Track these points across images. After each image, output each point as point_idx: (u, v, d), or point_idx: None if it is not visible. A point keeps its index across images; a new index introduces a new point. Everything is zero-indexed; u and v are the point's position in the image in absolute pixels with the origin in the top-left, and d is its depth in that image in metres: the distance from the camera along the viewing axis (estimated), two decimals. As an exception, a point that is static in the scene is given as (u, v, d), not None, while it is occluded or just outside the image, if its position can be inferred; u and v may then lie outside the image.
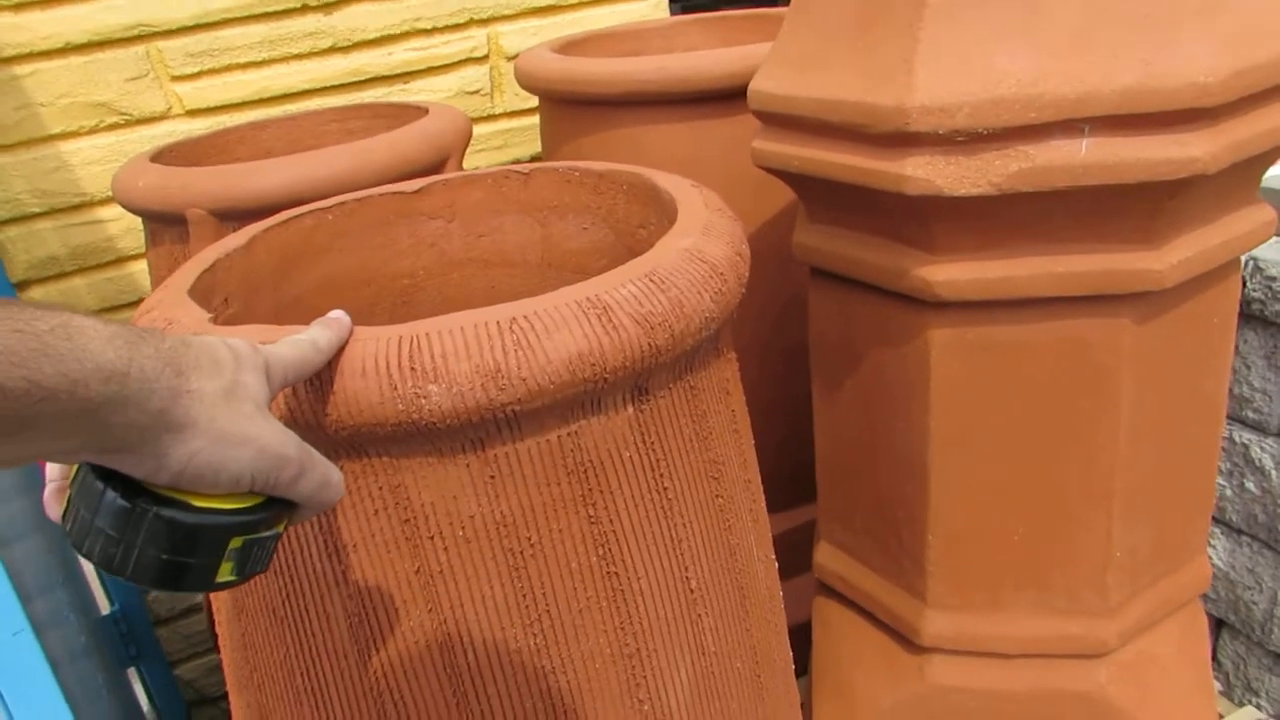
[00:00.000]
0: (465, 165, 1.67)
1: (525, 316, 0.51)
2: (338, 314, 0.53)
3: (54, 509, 0.46)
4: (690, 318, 0.55)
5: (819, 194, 0.86)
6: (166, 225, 1.06)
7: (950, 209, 0.75)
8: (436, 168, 1.11)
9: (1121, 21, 0.70)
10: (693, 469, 0.60)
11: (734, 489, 0.64)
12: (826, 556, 1.07)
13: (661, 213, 0.71)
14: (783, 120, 0.83)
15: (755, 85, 0.84)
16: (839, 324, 0.92)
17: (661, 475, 0.57)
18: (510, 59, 1.65)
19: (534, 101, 1.66)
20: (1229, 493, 1.34)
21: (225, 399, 0.42)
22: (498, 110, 1.68)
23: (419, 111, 1.24)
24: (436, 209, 0.81)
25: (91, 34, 1.41)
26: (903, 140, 0.73)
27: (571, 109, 1.26)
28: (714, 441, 0.61)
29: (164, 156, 1.18)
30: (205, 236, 1.02)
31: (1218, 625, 1.43)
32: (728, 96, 1.16)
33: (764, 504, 0.72)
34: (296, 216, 0.76)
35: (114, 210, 1.48)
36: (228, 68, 1.50)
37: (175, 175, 1.03)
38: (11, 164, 1.43)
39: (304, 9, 1.51)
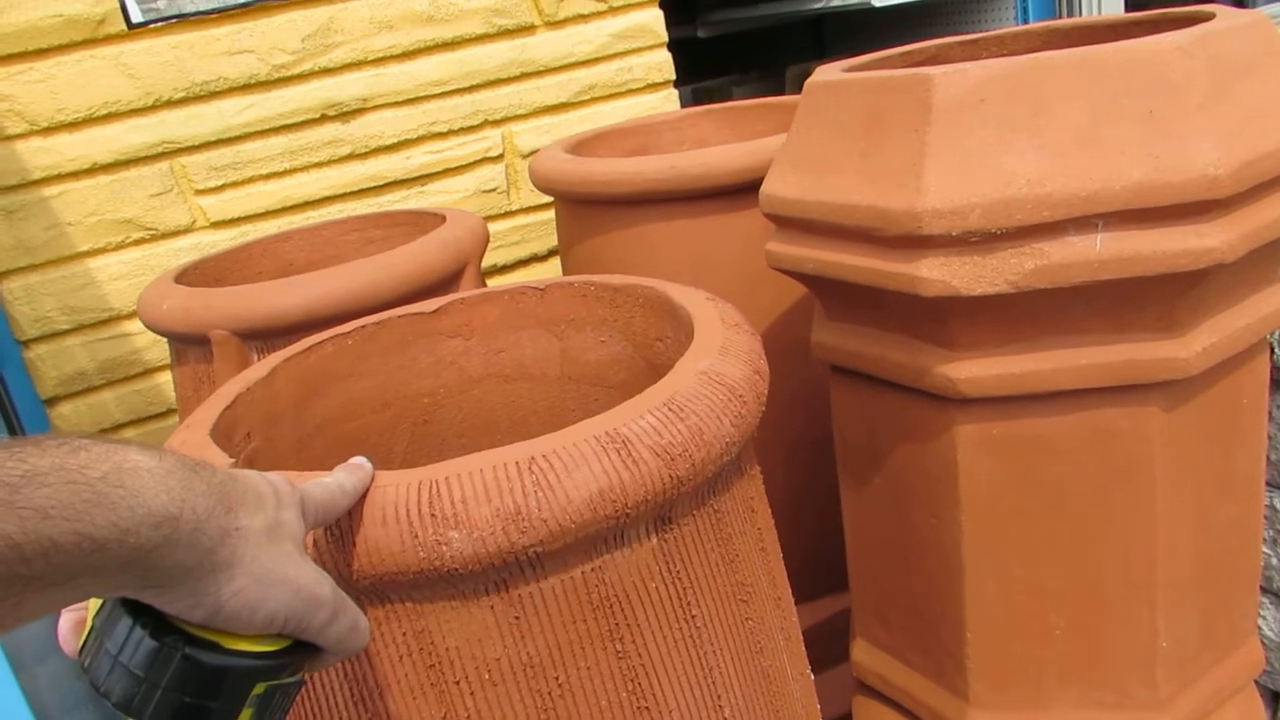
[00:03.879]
0: (485, 262, 1.69)
1: (544, 455, 0.51)
2: (360, 460, 0.53)
3: (71, 642, 0.45)
4: (711, 444, 0.55)
5: (835, 294, 0.86)
6: (191, 345, 1.07)
7: (968, 307, 0.75)
8: (456, 275, 1.12)
9: (1126, 118, 0.70)
10: (721, 594, 0.59)
11: (764, 609, 0.63)
12: (864, 654, 1.04)
13: (678, 327, 0.71)
14: (796, 224, 0.83)
15: (767, 189, 0.85)
16: (862, 421, 0.91)
17: (689, 604, 0.57)
18: (525, 156, 1.68)
19: (549, 197, 1.69)
20: (1275, 561, 1.30)
21: (268, 537, 0.42)
22: (514, 207, 1.70)
23: (437, 219, 1.26)
24: (455, 327, 0.82)
25: (118, 153, 1.45)
26: (916, 243, 0.73)
27: (586, 208, 1.28)
28: (741, 564, 0.60)
29: (188, 275, 1.20)
30: (229, 356, 1.03)
31: (1273, 698, 1.38)
32: (741, 191, 1.17)
33: (796, 618, 0.71)
34: (317, 344, 0.77)
35: (140, 324, 1.50)
36: (250, 179, 1.53)
37: (198, 297, 1.04)
38: (41, 283, 1.46)
39: (323, 119, 1.55)
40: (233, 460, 0.56)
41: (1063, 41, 1.01)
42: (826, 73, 0.86)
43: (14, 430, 1.54)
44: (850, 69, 0.92)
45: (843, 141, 0.80)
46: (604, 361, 0.80)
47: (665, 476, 0.52)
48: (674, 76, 1.75)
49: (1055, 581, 0.85)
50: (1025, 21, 2.36)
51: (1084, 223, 0.71)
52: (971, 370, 0.79)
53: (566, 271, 1.40)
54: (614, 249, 1.26)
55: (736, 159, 1.15)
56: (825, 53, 3.11)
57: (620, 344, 0.79)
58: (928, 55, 1.03)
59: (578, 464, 0.51)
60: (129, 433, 1.53)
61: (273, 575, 0.41)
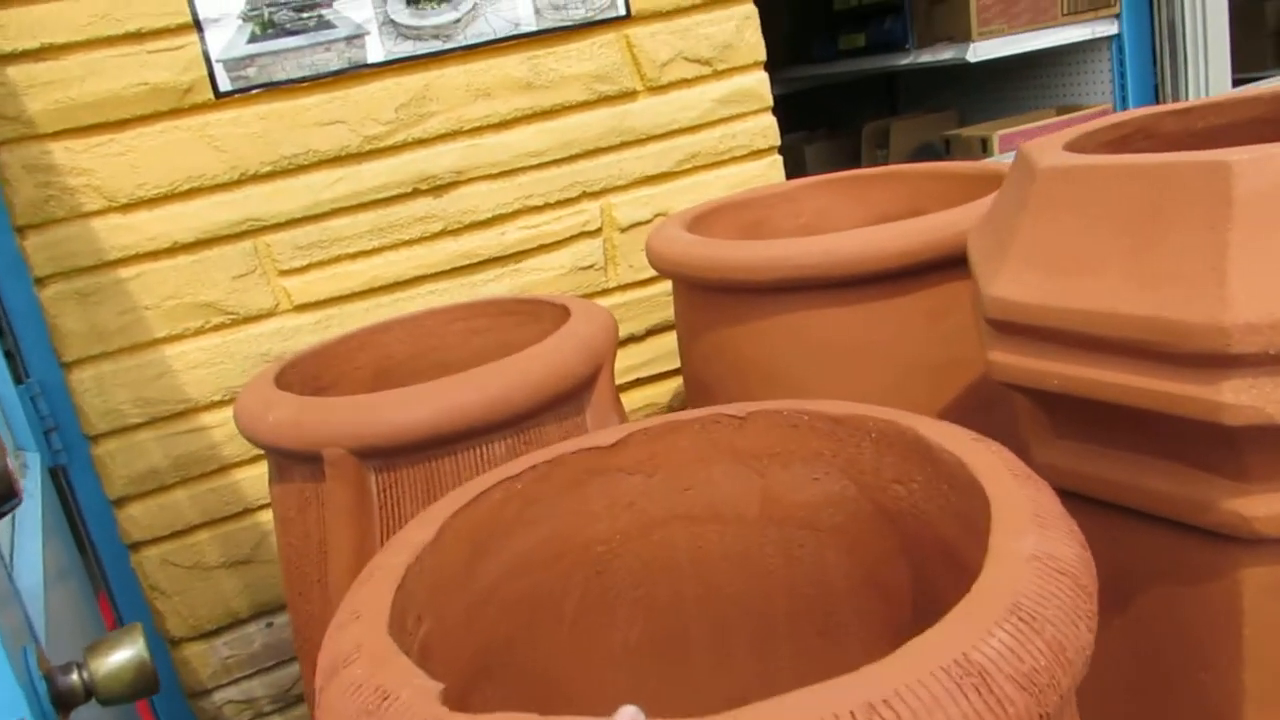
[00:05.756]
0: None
1: (887, 701, 0.38)
2: (632, 712, 0.40)
3: None
4: (1073, 663, 0.42)
5: (1077, 413, 0.73)
6: (298, 462, 0.95)
7: (1273, 437, 0.62)
8: (591, 379, 1.00)
9: None
10: None
11: None
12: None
13: (936, 473, 0.58)
14: (1035, 332, 0.70)
15: (997, 292, 0.72)
16: (1101, 555, 0.77)
17: None
18: (623, 230, 1.57)
19: (648, 272, 1.57)
20: None
21: None
22: (611, 284, 1.59)
23: (556, 309, 1.14)
24: (635, 463, 0.69)
25: (200, 232, 1.35)
26: (1219, 361, 0.60)
27: (717, 294, 1.16)
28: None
29: (287, 376, 1.08)
30: (344, 477, 0.91)
31: None
32: (898, 276, 1.05)
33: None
34: (485, 491, 0.64)
35: (218, 416, 1.39)
36: (336, 259, 1.43)
37: (311, 409, 0.92)
38: (113, 372, 1.35)
39: (415, 193, 1.44)
40: (442, 688, 0.43)
41: (1298, 111, 0.89)
42: (1057, 155, 0.74)
43: (80, 534, 1.43)
44: (1074, 146, 0.79)
45: (1102, 238, 0.67)
46: (816, 502, 0.67)
47: (1034, 717, 0.39)
48: (779, 142, 1.64)
49: (1353, 757, 0.71)
50: (1122, 80, 2.25)
51: None
52: (1270, 506, 0.65)
53: (687, 361, 1.27)
54: (751, 339, 1.14)
55: (899, 241, 1.03)
56: (899, 109, 3.00)
57: (840, 482, 0.66)
58: (1137, 127, 0.90)
59: (931, 710, 0.38)
60: (203, 535, 1.41)
61: None
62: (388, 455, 0.91)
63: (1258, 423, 0.60)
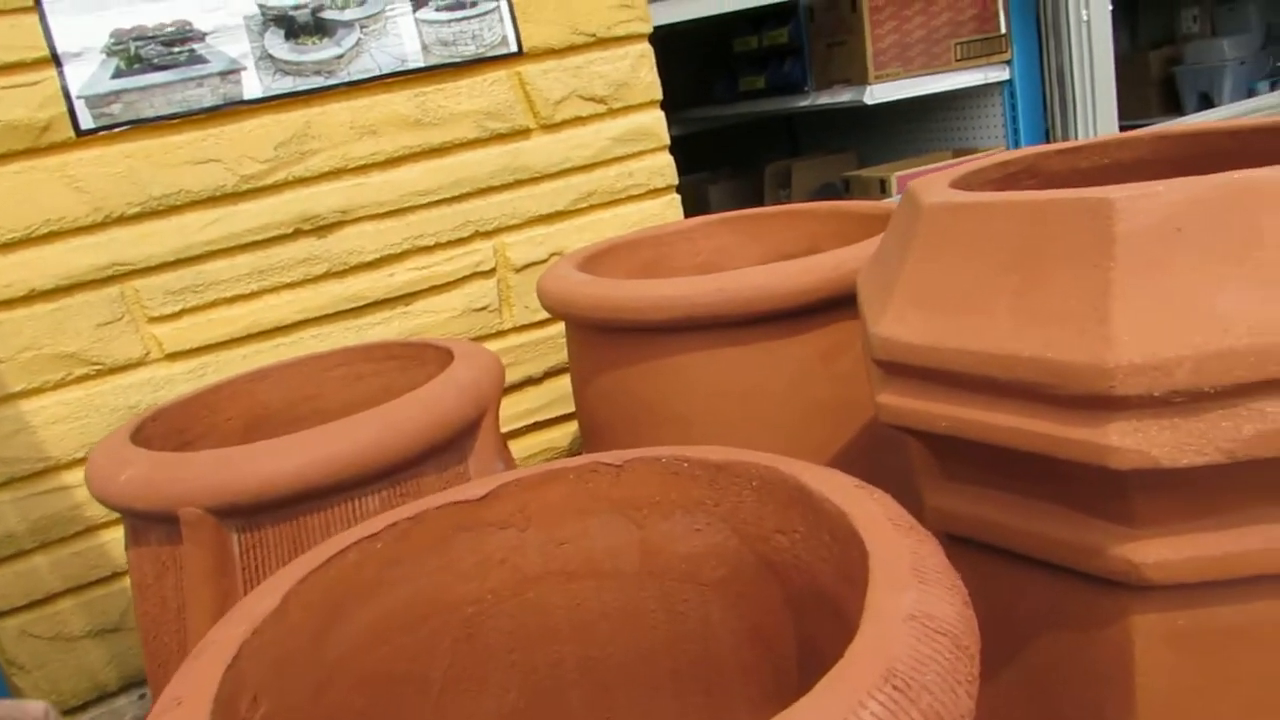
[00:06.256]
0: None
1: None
2: None
3: None
4: (952, 734, 0.38)
5: (967, 455, 0.71)
6: (153, 523, 0.88)
7: (1161, 480, 0.60)
8: (474, 425, 0.95)
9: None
10: None
11: None
12: None
13: (817, 522, 0.55)
14: (922, 373, 0.68)
15: (884, 332, 0.69)
16: (994, 601, 0.75)
17: None
18: (518, 270, 1.53)
19: (544, 314, 1.53)
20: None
21: None
22: (506, 326, 1.54)
23: (440, 353, 1.09)
24: (507, 516, 0.65)
25: (60, 278, 1.27)
26: (1104, 404, 0.58)
27: (610, 335, 1.12)
28: None
29: (146, 431, 1.01)
30: (202, 540, 0.84)
31: None
32: (795, 315, 1.03)
33: None
34: (338, 553, 0.59)
35: (81, 474, 1.30)
36: (212, 304, 1.35)
37: (164, 465, 0.85)
38: (-35, 430, 1.25)
39: (296, 234, 1.38)
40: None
41: (1173, 149, 0.89)
42: (943, 192, 0.72)
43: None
44: (961, 184, 0.78)
45: (987, 275, 0.65)
46: (698, 554, 0.63)
47: (910, 799, 0.36)
48: (676, 181, 1.62)
49: (1249, 803, 0.69)
50: (1015, 124, 2.30)
51: (1316, 377, 0.57)
52: (1159, 552, 0.63)
53: (580, 404, 1.23)
54: (644, 381, 1.10)
55: (793, 280, 1.01)
56: (800, 150, 3.04)
57: (722, 533, 0.62)
58: (1024, 165, 0.90)
59: (796, 798, 0.34)
60: (66, 603, 1.31)
61: None
62: (250, 513, 0.85)
63: (1143, 466, 0.58)
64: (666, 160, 1.60)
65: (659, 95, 1.57)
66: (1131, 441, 0.58)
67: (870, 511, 0.51)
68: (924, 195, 0.73)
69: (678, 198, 1.62)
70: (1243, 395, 0.57)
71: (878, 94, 2.11)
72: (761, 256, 1.38)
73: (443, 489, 0.91)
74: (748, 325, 1.03)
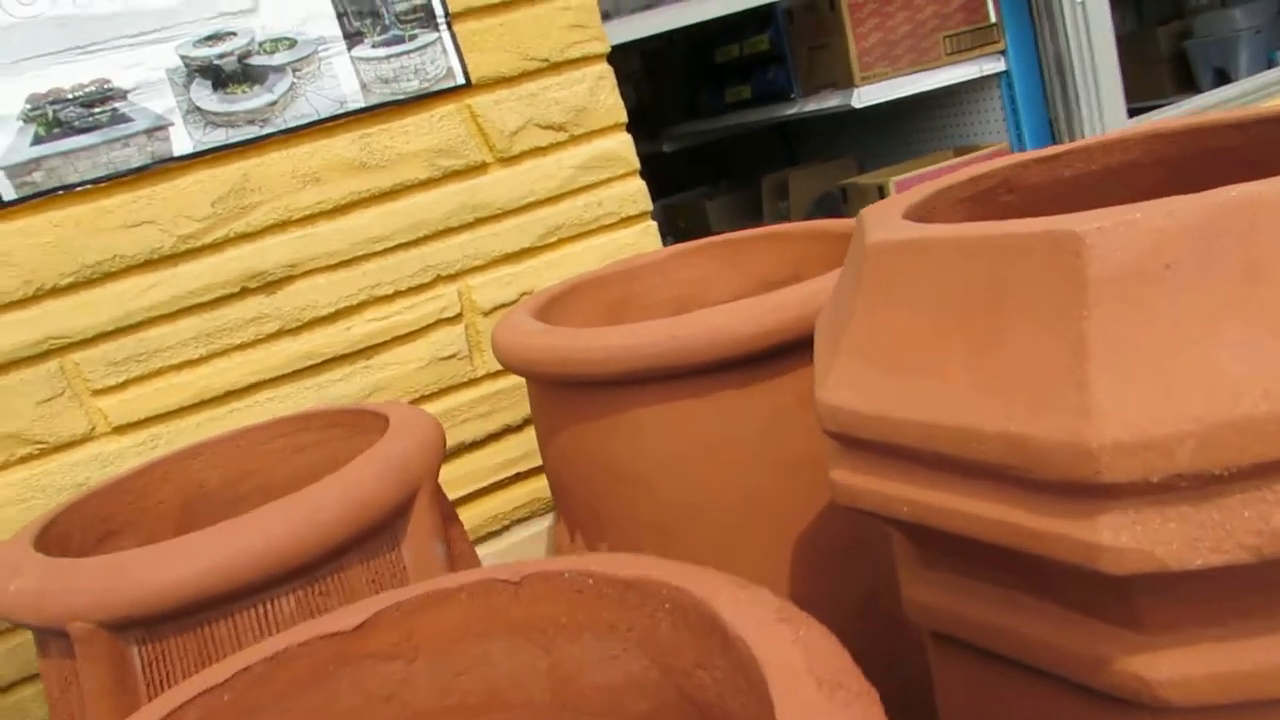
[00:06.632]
0: (451, 439, 1.43)
1: None
2: None
3: None
4: None
5: (942, 542, 0.60)
6: (51, 637, 0.80)
7: (1171, 584, 0.49)
8: (404, 506, 0.86)
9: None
10: None
11: None
12: None
13: (731, 661, 0.45)
14: (875, 448, 0.58)
15: (827, 398, 0.59)
16: (985, 712, 0.65)
17: None
18: (487, 314, 1.44)
19: (519, 356, 1.44)
20: None
21: None
22: (479, 373, 1.45)
23: (378, 420, 1.00)
24: (391, 646, 0.56)
25: (-8, 358, 1.19)
26: (1088, 492, 0.48)
27: (565, 391, 1.03)
28: None
29: (64, 524, 0.93)
30: (96, 656, 0.76)
31: None
32: (760, 359, 0.93)
33: None
34: (172, 712, 0.49)
35: (28, 562, 1.22)
36: (158, 372, 1.28)
37: (55, 576, 0.77)
38: (-101, 525, 1.18)
39: (244, 292, 1.30)
40: None
41: (1170, 149, 0.78)
42: (892, 227, 0.62)
43: None
44: (915, 213, 0.68)
45: (941, 328, 0.55)
46: (617, 684, 0.54)
47: None
48: (650, 207, 1.52)
49: None
50: (1015, 117, 2.19)
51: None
52: (1176, 666, 0.52)
53: (545, 462, 1.14)
54: (604, 439, 1.00)
55: (753, 320, 0.91)
56: (797, 159, 2.93)
57: (639, 660, 0.53)
58: (1000, 179, 0.80)
59: None
60: (6, 699, 1.23)
61: None
62: (149, 624, 0.76)
63: (1145, 570, 0.48)
64: (638, 186, 1.51)
65: (623, 118, 1.47)
66: (1128, 538, 0.48)
67: (790, 661, 0.41)
68: (870, 229, 0.63)
69: (653, 224, 1.53)
70: (1267, 476, 0.46)
71: (866, 96, 2.00)
72: (742, 286, 1.28)
73: (370, 581, 0.82)
74: (708, 373, 0.93)
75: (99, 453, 1.26)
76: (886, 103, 2.06)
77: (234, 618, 0.77)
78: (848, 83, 2.01)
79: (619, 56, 2.02)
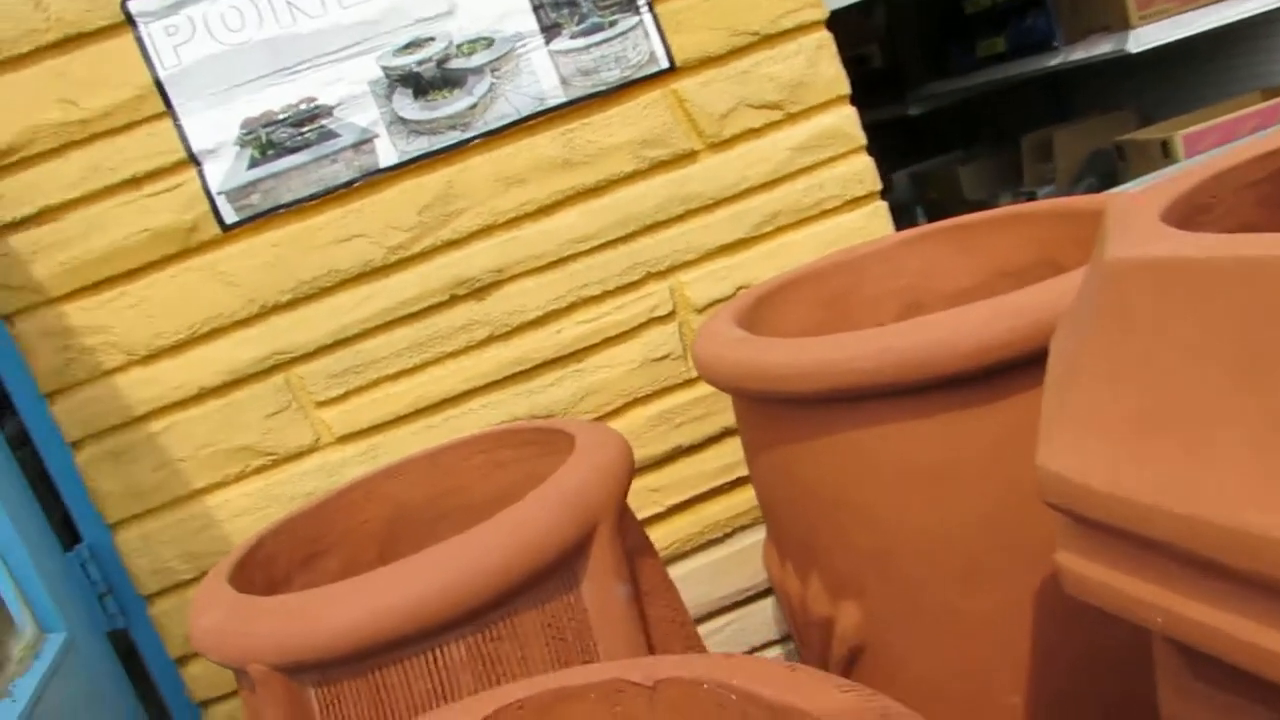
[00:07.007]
0: (663, 444, 1.36)
1: None
2: None
3: None
4: None
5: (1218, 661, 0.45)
6: (239, 672, 0.80)
7: None
8: (583, 544, 0.79)
9: None
10: None
11: None
12: None
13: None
14: (1121, 536, 0.43)
15: (1052, 464, 0.45)
16: None
17: None
18: (701, 310, 1.35)
19: (736, 356, 1.34)
20: None
21: None
22: (695, 373, 1.36)
23: (568, 440, 0.94)
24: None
25: (226, 373, 1.25)
26: None
27: (768, 407, 0.92)
28: None
29: (271, 546, 0.94)
30: (275, 699, 0.74)
31: None
32: (989, 375, 0.78)
33: None
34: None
35: (265, 568, 1.27)
36: (375, 382, 1.29)
37: (235, 615, 0.76)
38: (157, 530, 1.26)
39: (453, 300, 1.29)
40: None
41: None
42: (1142, 236, 0.47)
43: (151, 698, 1.34)
44: (1185, 206, 0.52)
45: (1209, 384, 0.40)
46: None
47: None
48: (879, 186, 1.37)
49: None
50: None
51: None
52: None
53: (753, 479, 1.04)
54: (813, 460, 0.89)
55: (981, 331, 0.77)
56: (1067, 114, 2.61)
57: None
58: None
59: None
60: (258, 701, 1.29)
61: None
62: (322, 668, 0.74)
63: None
64: (864, 164, 1.36)
65: (846, 89, 1.33)
66: None
67: None
68: (1113, 235, 0.48)
69: (883, 205, 1.38)
70: None
71: (1145, 37, 1.72)
72: (976, 276, 1.12)
73: (546, 625, 0.76)
74: (929, 391, 0.80)
75: (324, 463, 1.30)
76: (1172, 43, 1.77)
77: (404, 664, 0.73)
78: (1122, 24, 1.74)
79: (858, 14, 1.86)
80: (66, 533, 1.33)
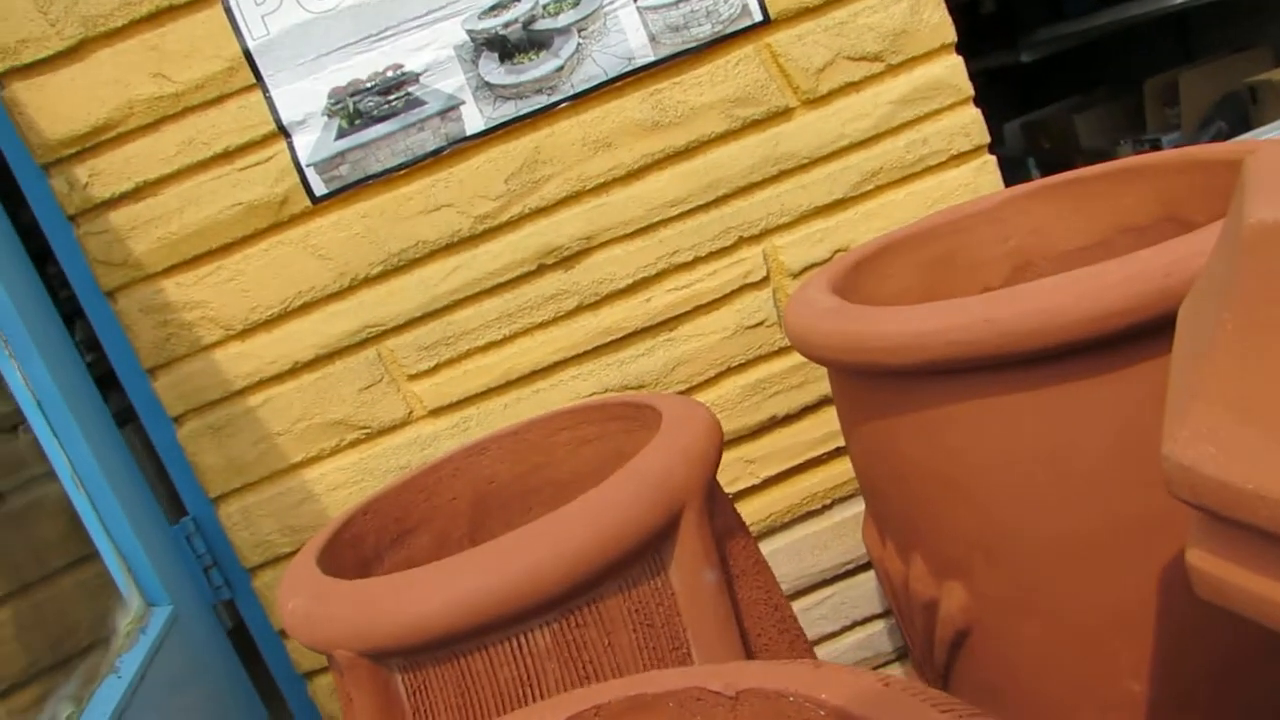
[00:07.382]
0: (758, 414, 1.32)
1: None
2: None
3: None
4: None
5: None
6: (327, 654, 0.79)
7: None
8: (668, 527, 0.75)
9: None
10: None
11: None
12: None
13: None
14: (1263, 537, 0.38)
15: (1182, 456, 0.40)
16: None
17: None
18: (796, 275, 1.30)
19: (834, 322, 1.28)
20: None
21: None
22: (789, 341, 1.31)
23: (655, 415, 0.91)
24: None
25: (319, 347, 1.25)
26: None
27: (864, 380, 0.87)
28: None
29: (360, 524, 0.94)
30: (361, 683, 0.74)
31: None
32: (1109, 343, 0.72)
33: None
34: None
35: (361, 539, 1.28)
36: (465, 354, 1.28)
37: (321, 599, 0.76)
38: (257, 503, 1.28)
39: (541, 269, 1.26)
40: None
41: None
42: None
43: (257, 669, 1.38)
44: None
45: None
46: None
47: None
48: (987, 139, 1.29)
49: None
50: None
51: None
52: None
53: (850, 452, 0.99)
54: (911, 437, 0.84)
55: (1095, 297, 0.70)
56: (1194, 55, 2.44)
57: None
58: None
59: None
60: (357, 670, 1.31)
61: None
62: (406, 654, 0.73)
63: None
64: (971, 116, 1.28)
65: (951, 37, 1.25)
66: None
67: None
68: (1253, 192, 0.41)
69: (991, 160, 1.30)
70: None
71: (1285, -33, 1.58)
72: (1092, 235, 1.04)
73: (634, 611, 0.73)
74: (1037, 363, 0.74)
75: (417, 435, 1.29)
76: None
77: (489, 651, 0.72)
78: (1256, -47, 1.60)
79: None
80: (173, 507, 1.36)
